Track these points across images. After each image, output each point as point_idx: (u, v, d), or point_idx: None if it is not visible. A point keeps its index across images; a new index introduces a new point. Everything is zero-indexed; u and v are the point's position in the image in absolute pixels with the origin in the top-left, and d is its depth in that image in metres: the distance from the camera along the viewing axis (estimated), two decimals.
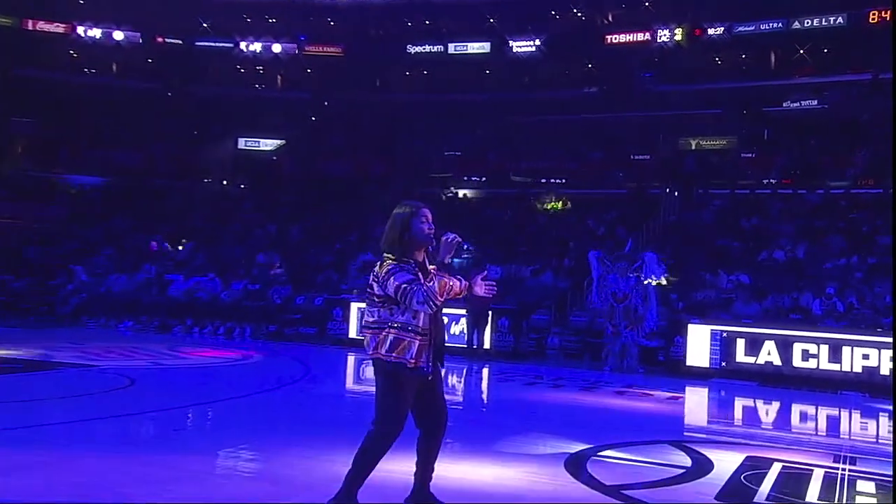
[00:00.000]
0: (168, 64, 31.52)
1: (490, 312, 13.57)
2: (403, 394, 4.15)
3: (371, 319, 4.23)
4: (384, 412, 4.15)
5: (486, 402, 10.28)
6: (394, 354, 4.11)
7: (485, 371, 12.43)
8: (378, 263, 4.23)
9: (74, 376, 9.74)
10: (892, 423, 8.56)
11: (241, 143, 31.44)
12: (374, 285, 4.18)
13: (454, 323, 13.74)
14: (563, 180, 26.33)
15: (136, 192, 26.11)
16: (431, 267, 4.22)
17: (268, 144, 31.74)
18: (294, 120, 31.63)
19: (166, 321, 16.27)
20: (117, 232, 22.73)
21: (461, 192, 26.84)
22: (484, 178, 27.51)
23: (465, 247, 4.31)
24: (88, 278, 18.18)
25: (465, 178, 27.55)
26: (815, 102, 27.13)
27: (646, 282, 12.41)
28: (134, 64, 31.62)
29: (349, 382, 11.72)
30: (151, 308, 16.69)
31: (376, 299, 4.19)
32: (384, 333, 4.14)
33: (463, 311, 13.44)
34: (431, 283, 4.08)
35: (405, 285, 4.06)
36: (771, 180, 23.58)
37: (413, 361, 4.11)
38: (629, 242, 14.49)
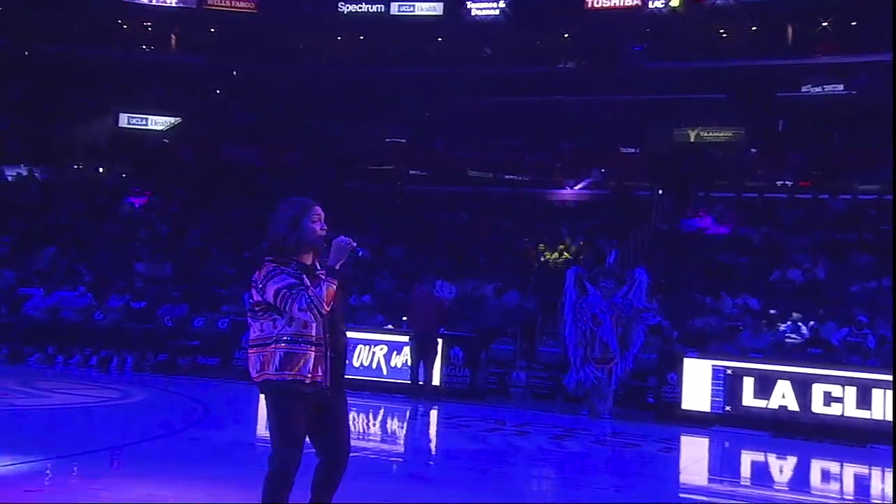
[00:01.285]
0: (24, 14, 30.73)
1: (440, 339, 13.53)
2: (299, 417, 4.40)
3: (254, 336, 4.52)
4: (280, 443, 4.39)
5: (433, 453, 10.22)
6: (287, 372, 4.38)
7: (433, 414, 12.37)
8: (259, 269, 4.51)
9: None
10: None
11: (123, 119, 30.94)
12: (254, 292, 4.48)
13: (395, 353, 13.67)
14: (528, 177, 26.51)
15: None
16: (320, 272, 4.46)
17: (158, 123, 31.29)
18: (193, 93, 31.23)
19: (20, 348, 15.86)
20: None
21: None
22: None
23: (360, 253, 4.56)
24: None
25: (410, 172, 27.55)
26: (841, 87, 27.94)
27: (637, 307, 12.50)
28: None
29: (260, 428, 11.51)
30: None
31: (257, 308, 4.49)
32: (270, 349, 4.42)
33: (405, 339, 13.40)
34: (318, 289, 4.36)
35: (285, 290, 4.36)
36: (786, 182, 24.21)
37: (310, 377, 4.40)
38: (612, 254, 14.61)
